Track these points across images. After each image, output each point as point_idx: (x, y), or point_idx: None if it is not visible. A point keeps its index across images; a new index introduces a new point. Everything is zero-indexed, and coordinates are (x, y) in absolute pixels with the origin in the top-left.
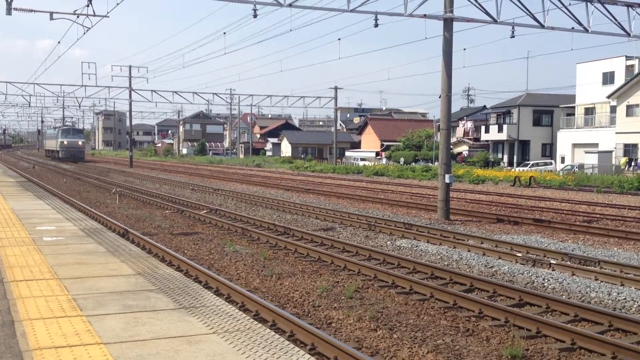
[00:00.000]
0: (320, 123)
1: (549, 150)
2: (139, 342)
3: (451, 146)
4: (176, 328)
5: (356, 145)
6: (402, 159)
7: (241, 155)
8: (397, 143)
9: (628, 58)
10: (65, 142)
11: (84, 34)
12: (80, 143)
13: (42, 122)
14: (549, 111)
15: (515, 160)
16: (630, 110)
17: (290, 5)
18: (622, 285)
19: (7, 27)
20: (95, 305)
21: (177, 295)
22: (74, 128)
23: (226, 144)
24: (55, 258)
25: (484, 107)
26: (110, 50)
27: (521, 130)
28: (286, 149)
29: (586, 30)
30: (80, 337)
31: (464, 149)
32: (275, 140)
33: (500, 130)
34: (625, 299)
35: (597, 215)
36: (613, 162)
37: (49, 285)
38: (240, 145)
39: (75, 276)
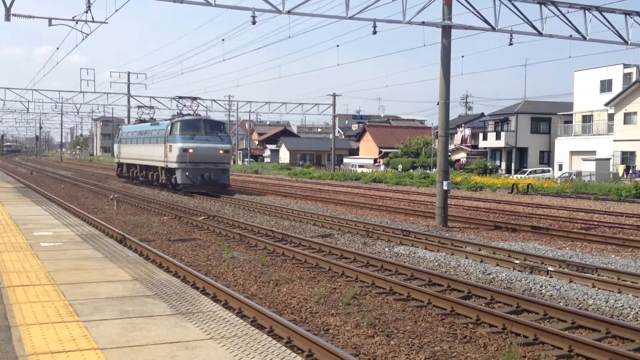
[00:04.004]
0: (319, 130)
1: (546, 157)
2: (135, 347)
3: (449, 153)
4: (173, 334)
5: (354, 152)
6: (400, 166)
7: (239, 162)
8: (395, 150)
9: (626, 66)
10: (192, 151)
11: (83, 40)
12: (221, 152)
13: (41, 128)
14: (546, 119)
15: (513, 168)
16: (627, 118)
17: (289, 12)
18: (619, 292)
19: (6, 33)
20: (92, 310)
21: (174, 301)
22: (209, 120)
23: None
24: (52, 263)
25: (482, 115)
26: (109, 56)
27: (519, 138)
28: (284, 155)
29: (584, 38)
30: (76, 343)
31: (462, 156)
32: (273, 146)
33: (498, 137)
34: (622, 306)
35: (595, 223)
36: (611, 170)
37: (46, 290)
38: (238, 151)
39: (72, 282)
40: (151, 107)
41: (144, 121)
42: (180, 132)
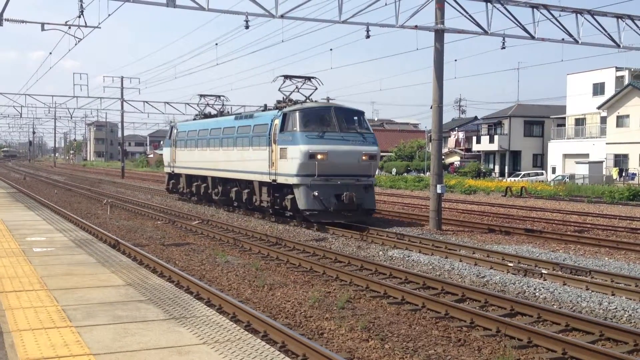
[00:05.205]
0: None
1: (540, 160)
2: (128, 352)
3: (443, 157)
4: (166, 339)
5: None
6: (394, 170)
7: None
8: (389, 153)
9: (618, 69)
10: (323, 156)
11: (76, 45)
12: (364, 158)
13: (34, 133)
14: (539, 122)
15: (506, 171)
16: (620, 121)
17: (282, 16)
18: (613, 294)
19: None
20: (84, 316)
21: (168, 306)
22: (342, 107)
23: None
24: (45, 269)
25: (475, 118)
26: (102, 61)
27: (512, 141)
28: None
29: (576, 42)
30: (69, 348)
31: (455, 159)
32: None
33: (491, 140)
34: (616, 308)
35: (588, 225)
36: (604, 173)
37: (39, 296)
38: None
39: (65, 287)
40: (219, 97)
41: (209, 115)
42: (301, 126)
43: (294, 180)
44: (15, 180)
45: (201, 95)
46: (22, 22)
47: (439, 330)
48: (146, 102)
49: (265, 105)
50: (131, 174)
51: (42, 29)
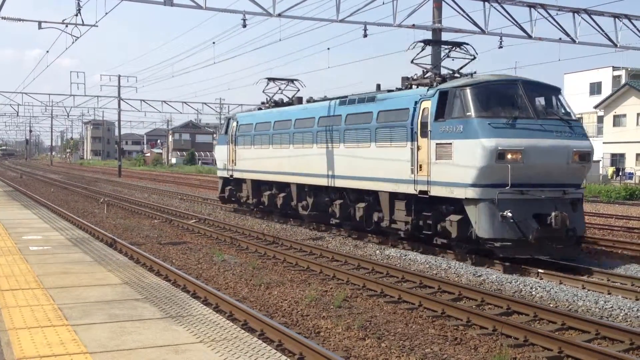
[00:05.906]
0: None
1: None
2: (125, 351)
3: None
4: (163, 337)
5: None
6: None
7: None
8: None
9: (615, 68)
10: (517, 156)
11: (73, 43)
12: (576, 157)
13: (31, 131)
14: None
15: None
16: (617, 120)
17: (279, 15)
18: (609, 293)
19: None
20: (81, 314)
21: (164, 304)
22: (533, 82)
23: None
24: (42, 267)
25: None
26: (99, 59)
27: None
28: None
29: (573, 41)
30: (65, 347)
31: None
32: None
33: None
34: (612, 307)
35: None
36: (600, 172)
37: (35, 294)
38: None
39: (61, 285)
40: (292, 81)
41: (281, 104)
42: (477, 110)
43: (468, 193)
44: (11, 179)
45: (269, 79)
46: (19, 20)
47: (436, 329)
48: (143, 100)
49: (379, 86)
50: (128, 172)
51: (39, 27)
